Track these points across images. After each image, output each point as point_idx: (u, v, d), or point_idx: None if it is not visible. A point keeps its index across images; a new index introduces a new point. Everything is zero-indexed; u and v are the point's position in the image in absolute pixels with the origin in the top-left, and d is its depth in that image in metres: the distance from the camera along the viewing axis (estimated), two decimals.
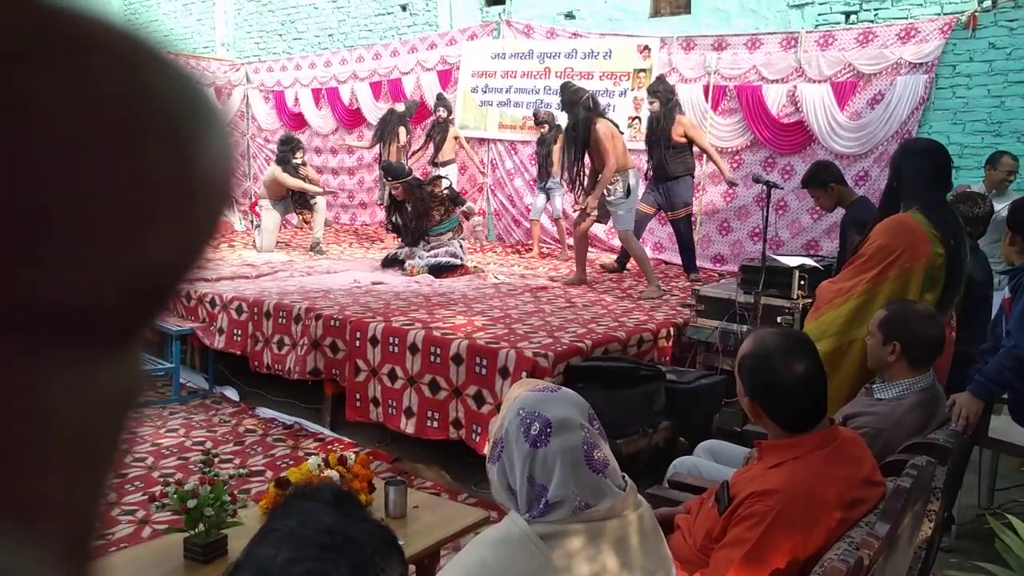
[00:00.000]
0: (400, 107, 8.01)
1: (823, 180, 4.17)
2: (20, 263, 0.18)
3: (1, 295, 0.18)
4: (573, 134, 5.33)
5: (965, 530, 3.26)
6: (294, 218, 9.18)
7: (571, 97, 5.36)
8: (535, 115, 7.20)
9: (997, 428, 3.28)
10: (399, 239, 6.32)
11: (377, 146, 8.07)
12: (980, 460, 3.50)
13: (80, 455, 0.21)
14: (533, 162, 7.61)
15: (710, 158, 6.10)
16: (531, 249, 7.43)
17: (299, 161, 7.08)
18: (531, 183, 7.92)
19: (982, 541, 2.85)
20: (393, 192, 6.10)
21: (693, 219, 7.12)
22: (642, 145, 7.28)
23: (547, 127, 7.07)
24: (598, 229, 7.76)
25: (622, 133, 5.75)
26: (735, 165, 6.99)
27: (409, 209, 5.99)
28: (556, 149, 6.77)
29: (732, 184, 6.29)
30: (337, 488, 0.98)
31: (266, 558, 0.83)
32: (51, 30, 0.18)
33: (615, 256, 6.73)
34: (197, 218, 0.21)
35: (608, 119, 5.45)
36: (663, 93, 5.86)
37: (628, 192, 5.36)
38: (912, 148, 2.86)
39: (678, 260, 6.63)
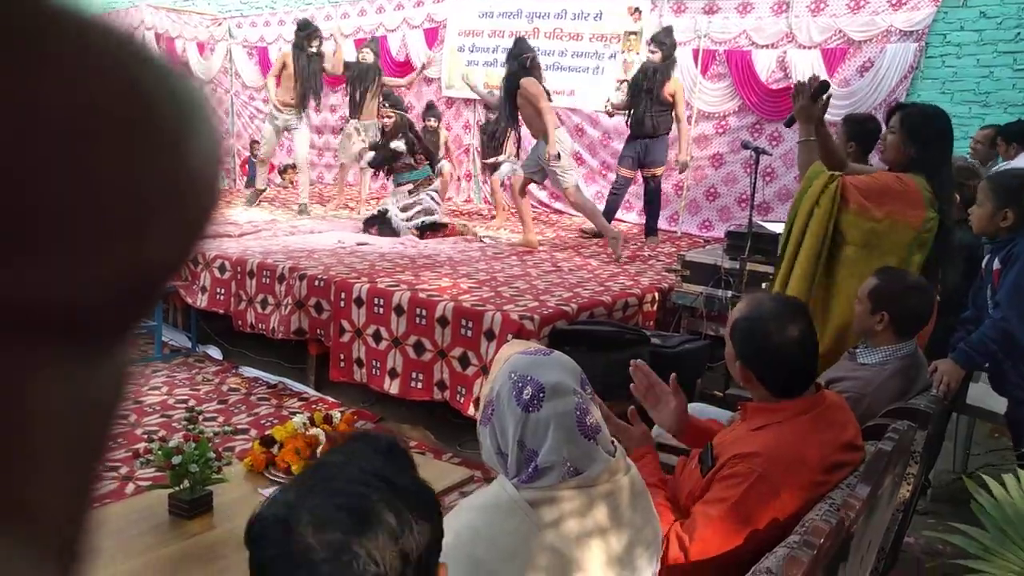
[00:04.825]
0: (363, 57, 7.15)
1: (845, 133, 3.56)
2: (15, 263, 0.18)
3: None
4: (505, 84, 5.41)
5: (940, 493, 3.33)
6: (277, 178, 9.08)
7: (515, 49, 5.41)
8: (485, 105, 7.00)
9: (974, 395, 3.34)
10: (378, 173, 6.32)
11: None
12: (956, 426, 3.57)
13: (69, 454, 0.21)
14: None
15: (679, 131, 6.02)
16: (495, 215, 7.23)
17: (314, 50, 6.58)
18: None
19: (956, 504, 2.91)
20: (385, 120, 6.03)
21: (680, 184, 7.11)
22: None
23: (495, 114, 6.90)
24: (585, 193, 7.75)
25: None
26: (721, 130, 6.96)
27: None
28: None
29: (683, 168, 6.19)
30: (393, 440, 0.96)
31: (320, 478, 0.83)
32: (49, 30, 0.18)
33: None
34: (189, 217, 0.21)
35: (539, 81, 5.37)
36: (668, 47, 5.76)
37: (559, 156, 5.35)
38: (927, 113, 2.81)
39: (638, 220, 6.60)
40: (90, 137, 0.19)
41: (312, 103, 6.92)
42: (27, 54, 0.18)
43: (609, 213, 6.28)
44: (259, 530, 0.80)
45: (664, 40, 5.80)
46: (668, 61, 5.77)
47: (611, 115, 6.22)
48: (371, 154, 6.25)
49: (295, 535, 0.77)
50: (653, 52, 5.83)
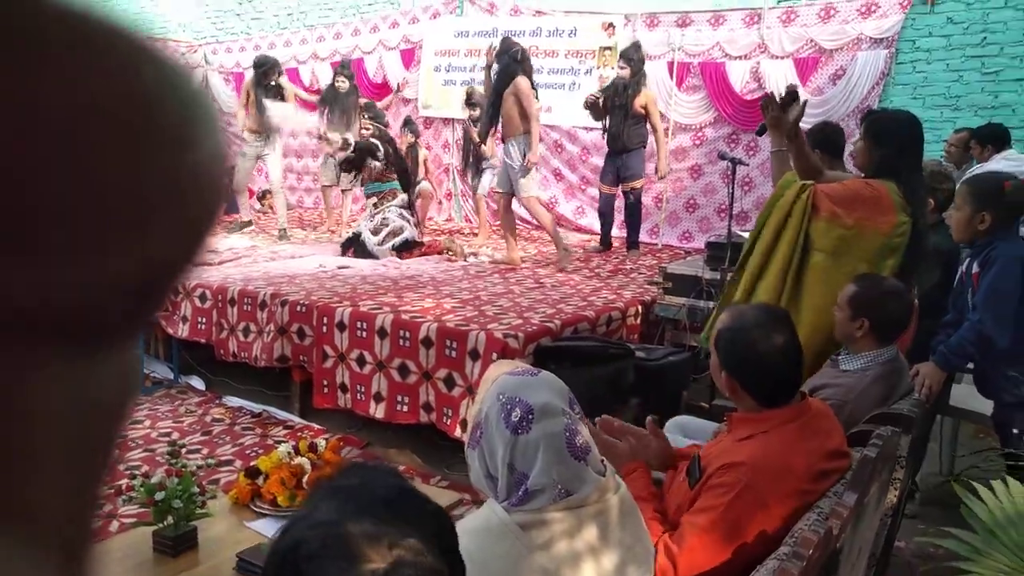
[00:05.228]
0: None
1: (811, 143, 3.42)
2: (15, 263, 0.18)
3: None
4: (498, 79, 5.37)
5: (928, 497, 3.34)
6: (256, 204, 9.04)
7: (503, 46, 5.39)
8: (468, 95, 6.80)
9: (957, 396, 3.36)
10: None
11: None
12: (941, 428, 3.59)
13: (69, 454, 0.21)
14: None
15: (656, 141, 6.08)
16: (477, 233, 7.09)
17: (273, 83, 6.66)
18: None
19: (945, 507, 2.92)
20: (363, 131, 6.07)
21: (659, 196, 7.15)
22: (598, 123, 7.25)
23: (478, 110, 6.67)
24: (565, 209, 7.77)
25: None
26: (698, 142, 7.02)
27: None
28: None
29: (662, 176, 6.25)
30: (391, 467, 0.98)
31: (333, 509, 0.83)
32: (49, 30, 0.18)
33: (591, 234, 6.72)
34: (192, 215, 0.21)
35: (532, 80, 5.37)
36: (636, 62, 5.83)
37: (524, 156, 5.34)
38: (894, 117, 2.84)
39: (619, 233, 6.62)
40: (91, 137, 0.19)
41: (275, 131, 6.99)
42: (27, 54, 0.18)
43: (607, 233, 6.39)
44: (305, 554, 0.78)
45: (632, 55, 5.87)
46: (638, 76, 5.83)
47: (592, 102, 6.11)
48: (351, 151, 6.23)
49: (351, 549, 0.77)
50: (622, 68, 5.90)
